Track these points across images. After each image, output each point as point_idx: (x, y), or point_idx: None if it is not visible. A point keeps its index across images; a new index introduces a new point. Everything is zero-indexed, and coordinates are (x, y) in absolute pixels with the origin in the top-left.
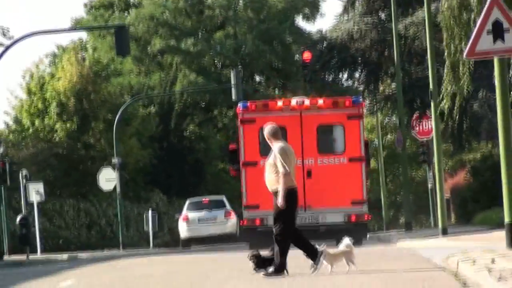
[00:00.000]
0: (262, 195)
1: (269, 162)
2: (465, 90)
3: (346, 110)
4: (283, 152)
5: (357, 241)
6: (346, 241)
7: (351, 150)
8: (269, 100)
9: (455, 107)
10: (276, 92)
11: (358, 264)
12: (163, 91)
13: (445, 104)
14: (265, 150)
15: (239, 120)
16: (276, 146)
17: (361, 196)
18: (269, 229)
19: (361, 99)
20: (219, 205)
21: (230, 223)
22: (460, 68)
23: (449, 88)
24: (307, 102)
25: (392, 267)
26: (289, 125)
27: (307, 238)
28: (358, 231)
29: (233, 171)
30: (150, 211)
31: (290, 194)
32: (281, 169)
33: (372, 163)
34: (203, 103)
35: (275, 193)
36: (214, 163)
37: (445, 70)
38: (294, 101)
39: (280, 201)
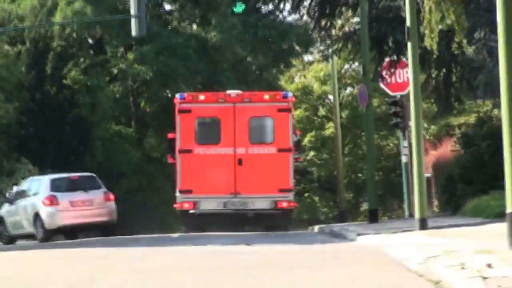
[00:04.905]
0: (195, 181)
1: None
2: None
3: (276, 103)
4: None
5: (283, 227)
6: None
7: (280, 141)
8: (205, 92)
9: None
10: (194, 27)
11: (301, 267)
12: (38, 23)
13: (427, 45)
14: (200, 138)
15: (176, 109)
16: None
17: (288, 184)
18: (201, 212)
19: (290, 94)
20: (94, 184)
21: (110, 209)
22: None
23: (432, 23)
24: (240, 94)
25: (348, 274)
26: (223, 116)
27: None
28: (284, 217)
29: (171, 158)
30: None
31: None
32: None
33: (329, 129)
34: (92, 41)
35: None
36: (104, 125)
37: None
38: (228, 93)
39: None
